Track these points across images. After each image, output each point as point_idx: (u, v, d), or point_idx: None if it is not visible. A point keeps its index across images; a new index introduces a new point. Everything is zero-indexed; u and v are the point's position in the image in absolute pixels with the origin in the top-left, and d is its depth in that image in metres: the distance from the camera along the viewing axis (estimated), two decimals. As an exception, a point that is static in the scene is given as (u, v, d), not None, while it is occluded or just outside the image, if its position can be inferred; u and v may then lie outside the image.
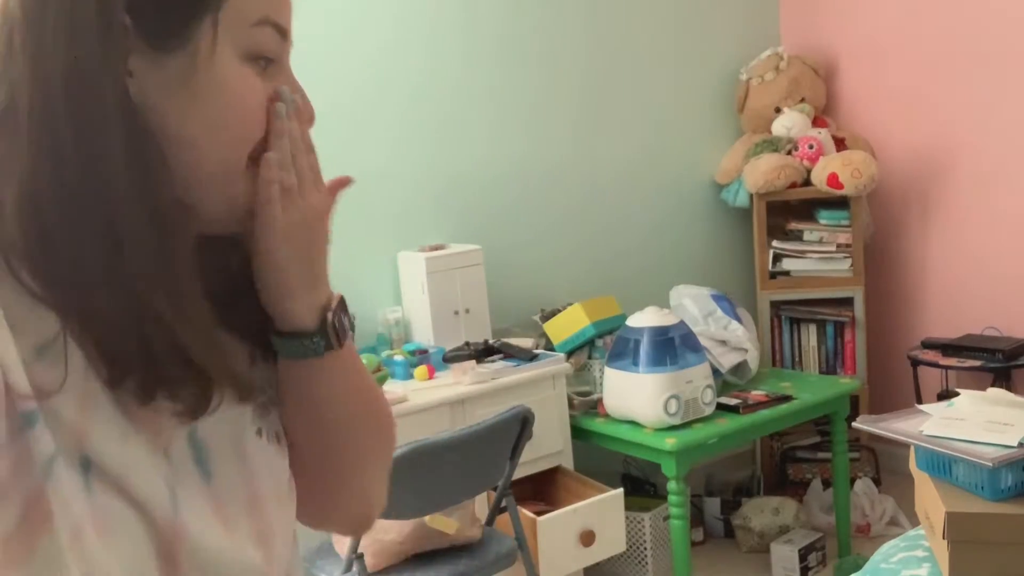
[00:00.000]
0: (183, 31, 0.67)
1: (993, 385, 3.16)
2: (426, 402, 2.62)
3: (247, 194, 0.73)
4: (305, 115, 0.77)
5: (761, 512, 3.33)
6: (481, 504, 2.56)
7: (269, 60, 0.72)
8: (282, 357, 0.79)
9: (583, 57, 3.50)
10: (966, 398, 1.79)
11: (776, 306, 3.68)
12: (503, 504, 2.44)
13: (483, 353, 2.82)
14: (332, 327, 0.79)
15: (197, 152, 0.69)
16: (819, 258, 3.58)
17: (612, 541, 2.68)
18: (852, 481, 3.28)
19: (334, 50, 2.99)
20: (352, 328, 0.83)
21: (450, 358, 2.80)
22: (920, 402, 3.11)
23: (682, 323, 2.82)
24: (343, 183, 0.83)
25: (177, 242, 0.67)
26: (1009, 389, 3.07)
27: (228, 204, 0.73)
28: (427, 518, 2.28)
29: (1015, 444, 1.55)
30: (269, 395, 0.81)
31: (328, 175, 0.89)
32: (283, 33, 0.73)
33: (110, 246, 0.64)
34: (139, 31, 0.65)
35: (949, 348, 3.33)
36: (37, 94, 0.63)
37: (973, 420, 1.67)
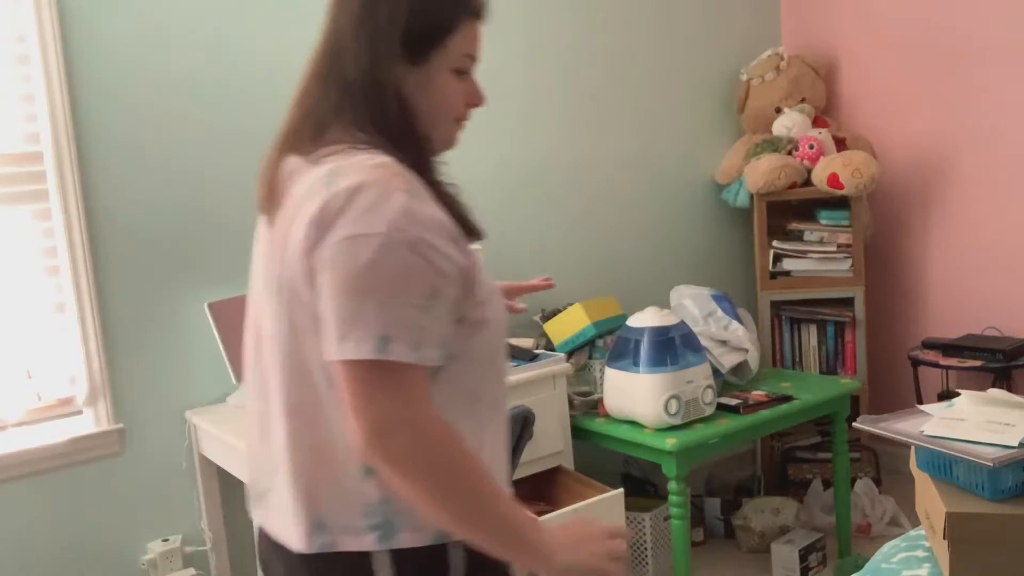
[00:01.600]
0: (427, 57, 1.25)
1: (993, 385, 3.16)
2: (426, 402, 2.62)
3: (452, 135, 1.32)
4: (482, 102, 1.33)
5: (761, 512, 3.33)
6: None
7: (465, 72, 1.30)
8: None
9: (584, 57, 3.50)
10: (966, 398, 1.79)
11: (776, 306, 3.68)
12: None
13: (483, 353, 2.81)
14: None
15: (430, 120, 1.27)
16: (819, 258, 3.58)
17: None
18: (852, 481, 3.28)
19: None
20: None
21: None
22: (920, 402, 3.11)
23: (682, 323, 2.82)
24: None
25: (428, 153, 1.27)
26: (1009, 389, 3.07)
27: (444, 141, 1.31)
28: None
29: (1015, 444, 1.55)
30: None
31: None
32: (475, 59, 1.31)
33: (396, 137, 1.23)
34: (405, 56, 1.23)
35: (949, 348, 3.33)
36: (356, 85, 1.23)
37: (973, 420, 1.67)
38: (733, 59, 3.88)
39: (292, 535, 1.21)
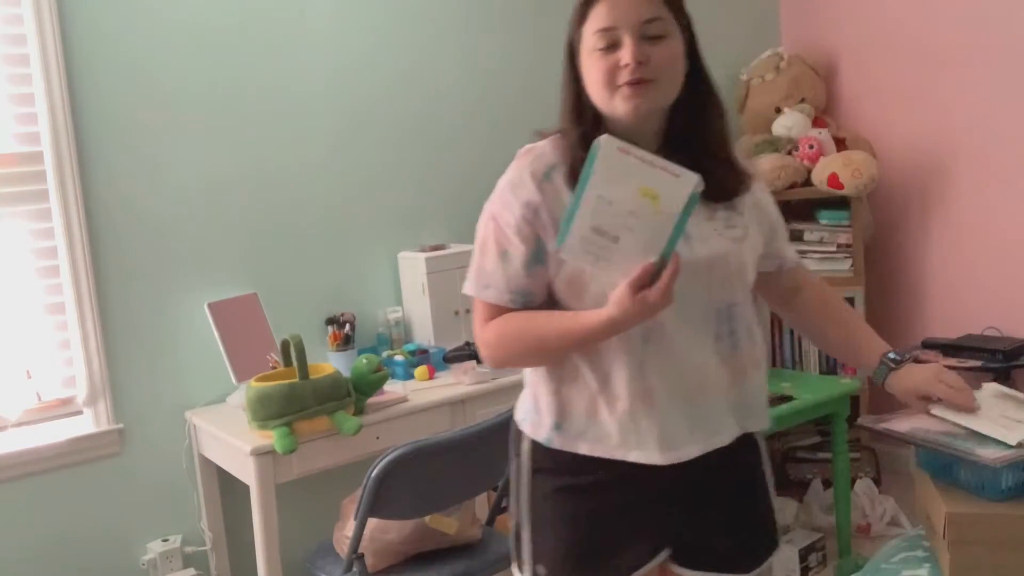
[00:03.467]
0: (578, 37, 1.45)
1: (993, 385, 3.16)
2: (426, 402, 2.63)
3: (615, 107, 1.41)
4: (627, 68, 1.39)
5: (761, 512, 3.32)
6: (481, 504, 2.56)
7: (608, 46, 1.39)
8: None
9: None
10: (990, 390, 1.76)
11: (776, 306, 3.67)
12: (503, 504, 2.43)
13: (483, 353, 2.82)
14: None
15: (588, 87, 1.45)
16: (820, 258, 3.58)
17: (612, 541, 2.67)
18: (852, 481, 3.28)
19: (339, 49, 2.99)
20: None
21: (450, 358, 2.80)
22: (920, 402, 3.10)
23: (682, 323, 2.81)
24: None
25: (591, 124, 1.44)
26: (1009, 389, 3.07)
27: (608, 112, 1.43)
28: (427, 518, 2.28)
29: (1014, 444, 1.55)
30: None
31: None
32: (608, 30, 1.39)
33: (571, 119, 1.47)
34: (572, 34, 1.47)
35: (949, 348, 3.33)
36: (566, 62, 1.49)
37: (987, 412, 1.65)
38: (733, 59, 3.87)
39: None
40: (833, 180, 3.41)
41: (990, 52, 3.42)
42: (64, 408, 2.61)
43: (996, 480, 1.58)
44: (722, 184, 1.45)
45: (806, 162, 3.54)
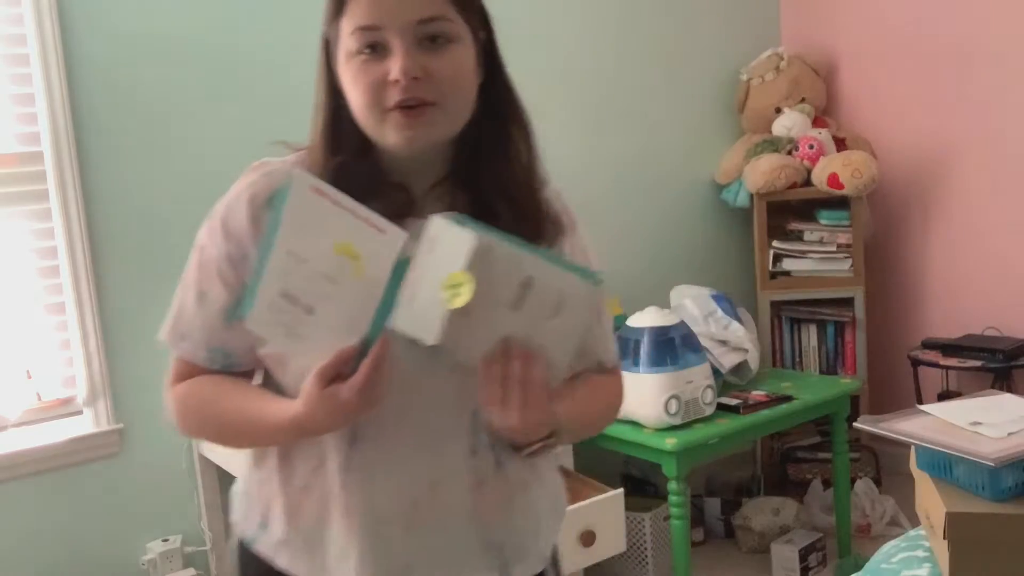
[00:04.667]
0: (334, 34, 1.11)
1: (993, 385, 3.16)
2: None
3: (384, 136, 1.08)
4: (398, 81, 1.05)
5: (761, 512, 3.33)
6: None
7: (372, 50, 1.06)
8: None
9: (583, 57, 3.50)
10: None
11: (776, 306, 3.67)
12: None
13: (483, 353, 2.82)
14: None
15: (352, 104, 1.10)
16: (819, 258, 3.58)
17: (612, 541, 2.67)
18: (852, 481, 3.28)
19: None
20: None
21: (450, 358, 2.78)
22: (920, 402, 3.11)
23: (683, 323, 2.82)
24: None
25: (357, 150, 1.12)
26: (1009, 389, 3.07)
27: (378, 140, 1.10)
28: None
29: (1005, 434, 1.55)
30: None
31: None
32: (371, 29, 1.05)
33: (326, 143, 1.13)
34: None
35: (949, 348, 3.33)
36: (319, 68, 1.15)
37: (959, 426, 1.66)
38: (733, 59, 3.88)
39: None
40: (833, 180, 3.41)
41: (990, 52, 3.42)
42: (64, 408, 2.61)
43: (996, 480, 1.58)
44: (524, 227, 1.10)
45: (806, 162, 3.54)
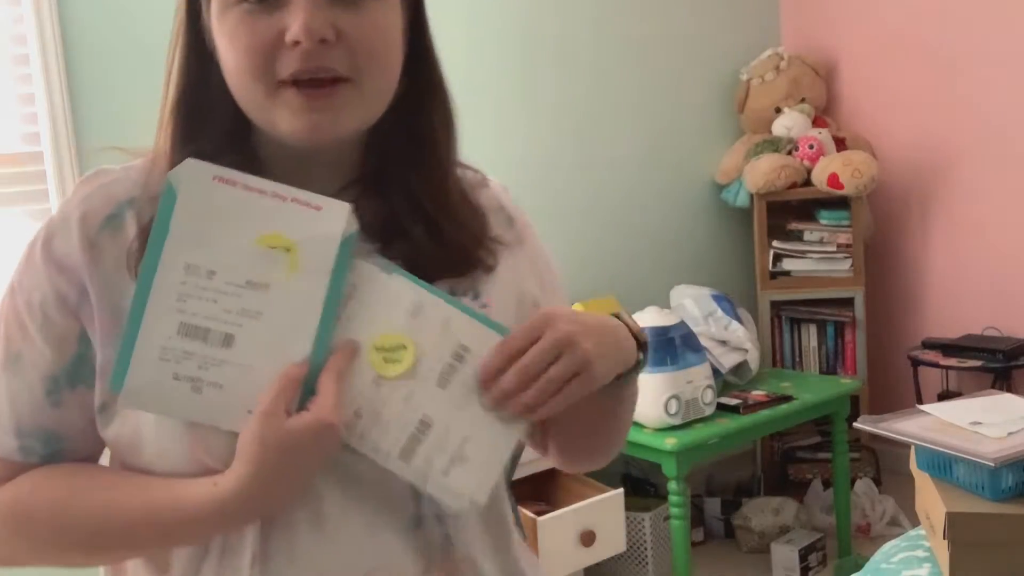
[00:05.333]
0: None
1: (993, 385, 3.16)
2: (426, 402, 2.61)
3: (275, 122, 0.79)
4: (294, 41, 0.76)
5: (761, 512, 3.33)
6: (481, 504, 2.55)
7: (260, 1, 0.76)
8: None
9: (583, 57, 3.50)
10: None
11: (776, 306, 3.67)
12: (503, 504, 2.43)
13: (483, 353, 2.81)
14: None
15: (228, 77, 0.81)
16: (819, 258, 3.58)
17: (612, 541, 2.67)
18: (852, 481, 3.28)
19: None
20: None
21: (450, 358, 2.78)
22: (920, 402, 3.11)
23: (682, 323, 2.82)
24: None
25: (225, 141, 0.83)
26: (1009, 389, 3.07)
27: (265, 125, 0.81)
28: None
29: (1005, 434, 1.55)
30: None
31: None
32: None
33: (183, 131, 0.83)
34: None
35: (949, 348, 3.33)
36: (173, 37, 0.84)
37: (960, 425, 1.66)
38: (733, 59, 3.88)
39: None
40: (833, 180, 3.41)
41: (991, 52, 3.42)
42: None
43: (996, 480, 1.58)
44: (448, 247, 0.86)
45: (806, 162, 3.54)
